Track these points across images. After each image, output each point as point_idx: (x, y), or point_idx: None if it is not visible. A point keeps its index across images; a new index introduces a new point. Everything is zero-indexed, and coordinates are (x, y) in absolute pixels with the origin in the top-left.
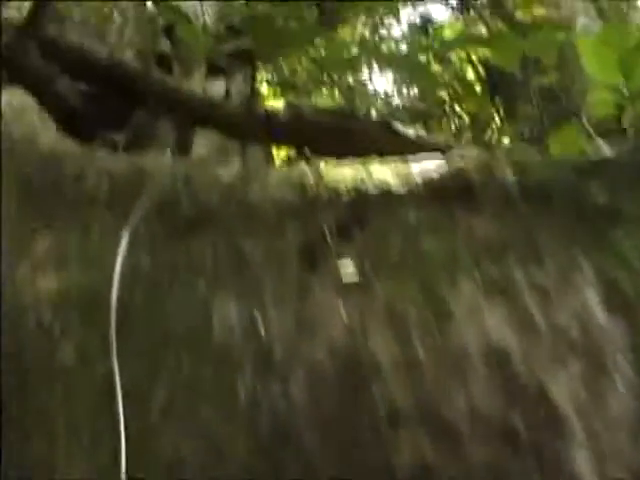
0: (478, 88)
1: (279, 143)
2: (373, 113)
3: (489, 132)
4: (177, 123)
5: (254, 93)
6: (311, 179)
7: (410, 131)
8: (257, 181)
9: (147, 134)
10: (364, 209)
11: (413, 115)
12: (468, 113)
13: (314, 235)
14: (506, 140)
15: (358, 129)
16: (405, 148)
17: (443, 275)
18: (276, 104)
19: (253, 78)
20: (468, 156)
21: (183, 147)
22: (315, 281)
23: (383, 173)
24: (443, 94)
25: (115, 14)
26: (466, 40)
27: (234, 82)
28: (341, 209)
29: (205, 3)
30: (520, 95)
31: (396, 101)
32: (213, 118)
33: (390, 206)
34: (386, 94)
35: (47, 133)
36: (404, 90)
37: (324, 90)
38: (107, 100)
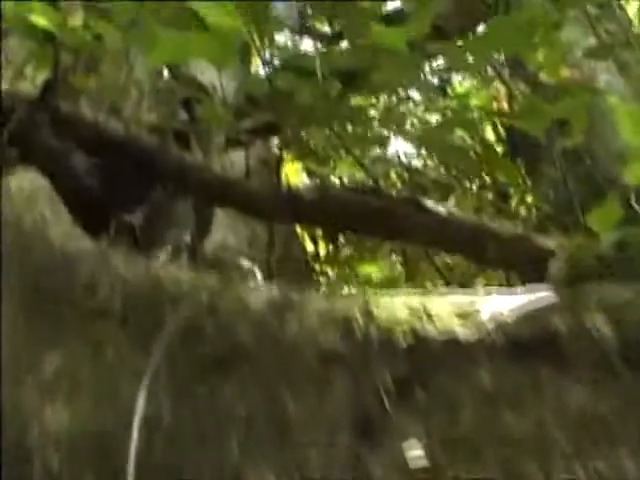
0: (498, 148)
1: (303, 223)
2: (398, 186)
3: (514, 198)
4: (196, 202)
5: (276, 167)
6: (358, 315)
7: (440, 208)
8: (293, 311)
9: (165, 214)
10: (426, 361)
11: (436, 184)
12: (490, 177)
13: (367, 392)
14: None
15: (386, 207)
16: (435, 227)
17: (532, 463)
18: (298, 174)
19: (274, 150)
20: (546, 297)
21: (202, 227)
22: (373, 459)
23: (443, 308)
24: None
25: (131, 87)
26: (497, 114)
27: (254, 154)
28: (398, 358)
29: (223, 74)
30: (544, 157)
31: (416, 165)
32: (233, 197)
33: (458, 360)
34: (406, 157)
35: (59, 223)
36: (423, 156)
37: (346, 160)
38: (123, 179)
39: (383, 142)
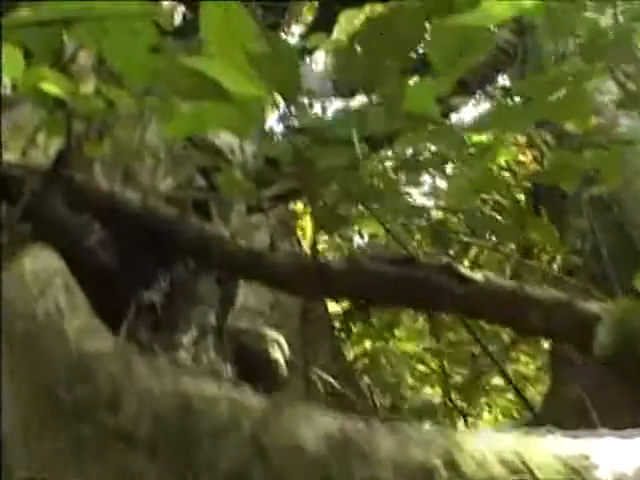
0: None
1: (333, 296)
2: (417, 237)
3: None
4: (219, 275)
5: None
6: (440, 466)
7: (478, 275)
8: (359, 457)
9: (187, 290)
10: None
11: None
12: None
13: None
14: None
15: (420, 278)
16: (473, 296)
17: None
18: (318, 235)
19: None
20: None
21: (227, 302)
22: None
23: (545, 459)
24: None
25: (145, 153)
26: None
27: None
28: None
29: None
30: (569, 206)
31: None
32: (259, 270)
33: None
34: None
35: (76, 314)
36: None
37: (367, 216)
38: (140, 253)
39: (419, 213)
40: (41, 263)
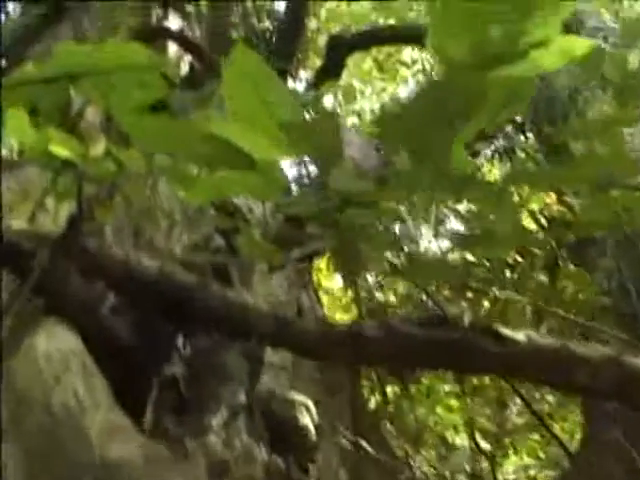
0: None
1: (365, 364)
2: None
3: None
4: (242, 344)
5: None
6: None
7: (519, 335)
8: None
9: (212, 364)
10: None
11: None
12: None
13: None
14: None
15: (459, 341)
16: (516, 357)
17: None
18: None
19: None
20: None
21: (254, 374)
22: None
23: None
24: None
25: (159, 213)
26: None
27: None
28: None
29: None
30: (593, 245)
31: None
32: (287, 338)
33: None
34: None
35: (95, 406)
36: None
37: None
38: (159, 323)
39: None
40: (55, 343)
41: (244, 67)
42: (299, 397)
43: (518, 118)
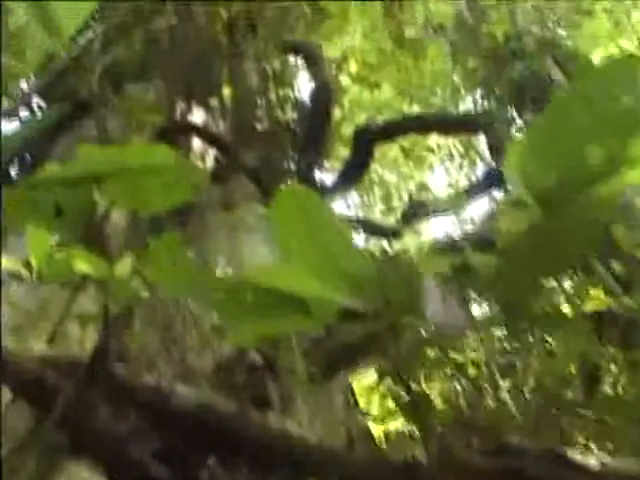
0: None
1: None
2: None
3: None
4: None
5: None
6: None
7: (591, 460)
8: None
9: None
10: None
11: None
12: None
13: None
14: None
15: (516, 467)
16: None
17: None
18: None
19: None
20: None
21: None
22: None
23: None
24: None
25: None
26: None
27: None
28: None
29: None
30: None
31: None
32: (336, 471)
33: None
34: None
35: None
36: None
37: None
38: (197, 458)
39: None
40: None
41: (298, 208)
42: None
43: None
